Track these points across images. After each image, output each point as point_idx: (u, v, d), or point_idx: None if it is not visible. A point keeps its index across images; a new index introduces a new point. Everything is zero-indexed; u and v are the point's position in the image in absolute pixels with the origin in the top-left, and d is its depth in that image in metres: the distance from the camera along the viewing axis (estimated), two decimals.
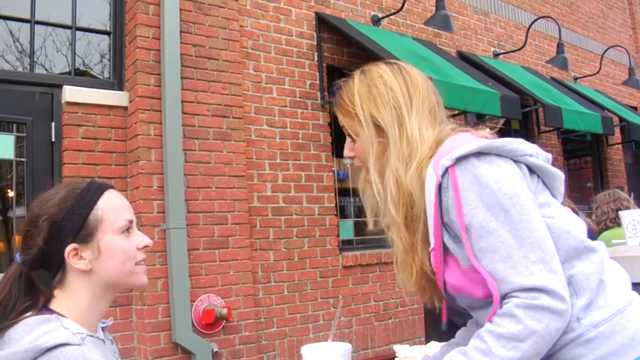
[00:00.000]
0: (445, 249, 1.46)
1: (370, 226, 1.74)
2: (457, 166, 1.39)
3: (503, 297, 1.36)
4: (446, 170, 1.40)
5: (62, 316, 1.41)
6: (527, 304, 1.30)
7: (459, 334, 1.85)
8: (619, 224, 4.66)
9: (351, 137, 1.65)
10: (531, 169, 1.48)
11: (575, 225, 1.46)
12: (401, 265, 1.57)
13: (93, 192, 1.50)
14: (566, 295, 1.31)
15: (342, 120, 1.66)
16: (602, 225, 4.84)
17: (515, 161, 1.44)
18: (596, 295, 1.38)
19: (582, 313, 1.37)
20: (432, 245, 1.47)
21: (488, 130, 1.59)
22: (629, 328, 1.36)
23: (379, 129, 1.57)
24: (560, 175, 1.53)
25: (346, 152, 1.70)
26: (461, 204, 1.39)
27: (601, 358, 1.35)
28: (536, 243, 1.33)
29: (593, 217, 4.96)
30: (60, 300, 1.46)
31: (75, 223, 1.45)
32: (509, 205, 1.35)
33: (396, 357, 2.42)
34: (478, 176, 1.38)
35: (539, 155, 1.49)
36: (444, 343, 1.86)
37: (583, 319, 1.36)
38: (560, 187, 1.55)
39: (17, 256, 1.49)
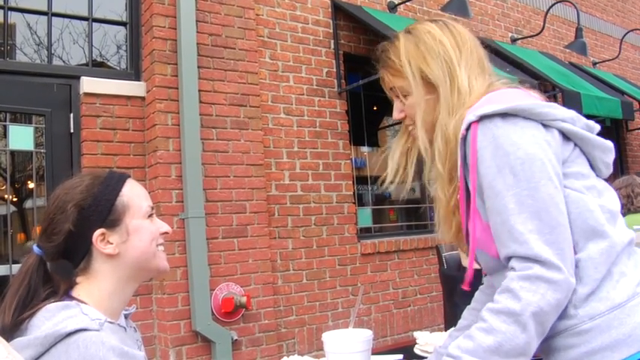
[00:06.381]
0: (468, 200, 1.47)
1: (380, 184, 1.72)
2: (480, 124, 1.38)
3: (507, 260, 1.37)
4: (469, 125, 1.40)
5: (83, 302, 1.43)
6: (521, 275, 1.31)
7: (465, 314, 1.86)
8: (629, 210, 4.59)
9: (400, 98, 1.63)
10: (567, 136, 1.44)
11: (604, 205, 1.42)
12: (442, 219, 1.57)
13: (116, 180, 1.54)
14: (561, 265, 1.29)
15: (392, 81, 1.63)
16: None
17: (546, 126, 1.40)
18: (600, 285, 1.35)
19: (582, 302, 1.35)
20: (459, 194, 1.48)
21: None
22: (627, 323, 1.32)
23: (428, 85, 1.56)
24: (603, 144, 1.49)
25: (395, 114, 1.68)
26: (476, 161, 1.38)
27: (592, 351, 1.33)
28: (536, 212, 1.32)
29: None
30: (83, 287, 1.48)
31: (103, 209, 1.48)
32: (520, 169, 1.33)
33: (416, 344, 2.42)
34: (497, 137, 1.36)
35: (575, 122, 1.44)
36: (452, 329, 1.86)
37: (580, 309, 1.34)
38: (604, 156, 1.50)
39: (35, 247, 1.50)
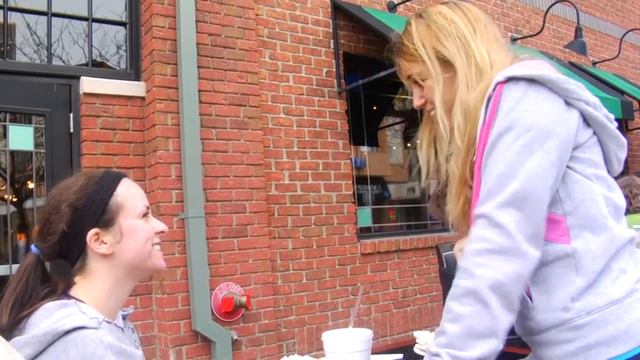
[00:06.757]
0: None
1: (422, 183, 1.73)
2: (506, 85, 1.37)
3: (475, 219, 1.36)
4: (496, 86, 1.39)
5: (80, 301, 1.43)
6: (471, 251, 1.31)
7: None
8: (628, 211, 4.57)
9: (419, 84, 1.63)
10: (587, 122, 1.42)
11: (611, 198, 1.41)
12: (453, 195, 1.55)
13: (111, 179, 1.54)
14: (515, 233, 1.28)
15: (408, 68, 1.62)
16: None
17: (569, 104, 1.39)
18: (598, 279, 1.34)
19: (579, 295, 1.34)
20: (475, 156, 1.45)
21: None
22: (624, 319, 1.31)
23: (445, 64, 1.55)
24: (619, 138, 1.47)
25: (415, 101, 1.66)
26: (492, 120, 1.38)
27: (588, 346, 1.32)
28: (518, 178, 1.31)
29: None
30: (80, 286, 1.49)
31: (96, 209, 1.48)
32: (523, 134, 1.32)
33: (416, 343, 2.42)
34: (517, 99, 1.35)
35: (597, 108, 1.43)
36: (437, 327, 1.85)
37: (577, 302, 1.33)
38: (619, 151, 1.49)
39: (33, 247, 1.51)
